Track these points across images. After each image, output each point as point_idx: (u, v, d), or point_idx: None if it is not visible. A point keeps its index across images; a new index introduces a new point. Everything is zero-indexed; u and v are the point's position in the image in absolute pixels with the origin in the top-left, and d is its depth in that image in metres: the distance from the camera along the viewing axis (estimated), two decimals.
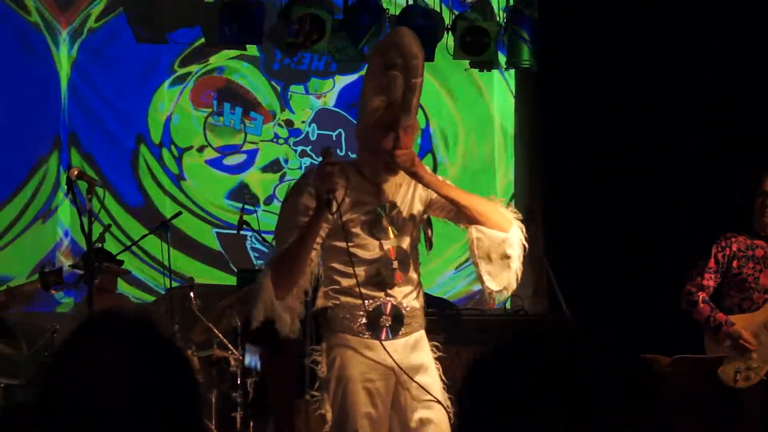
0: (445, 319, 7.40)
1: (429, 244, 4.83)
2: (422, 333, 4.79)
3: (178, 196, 9.22)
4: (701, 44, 8.81)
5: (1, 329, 6.80)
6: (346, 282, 4.66)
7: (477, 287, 9.51)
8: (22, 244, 8.84)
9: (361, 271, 4.64)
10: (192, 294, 7.26)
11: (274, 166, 9.49)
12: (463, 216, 4.76)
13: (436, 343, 4.83)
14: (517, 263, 4.73)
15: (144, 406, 1.79)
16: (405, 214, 4.72)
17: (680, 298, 6.72)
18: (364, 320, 4.64)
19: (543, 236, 8.45)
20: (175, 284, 7.65)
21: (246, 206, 7.95)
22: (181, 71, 9.31)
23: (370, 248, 4.65)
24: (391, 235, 4.67)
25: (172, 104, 9.27)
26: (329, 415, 4.64)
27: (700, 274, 6.69)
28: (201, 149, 9.35)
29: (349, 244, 4.63)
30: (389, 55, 4.67)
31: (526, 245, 4.77)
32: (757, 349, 6.51)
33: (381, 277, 4.63)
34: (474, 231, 4.75)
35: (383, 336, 4.64)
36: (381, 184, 4.71)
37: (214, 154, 9.38)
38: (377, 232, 4.66)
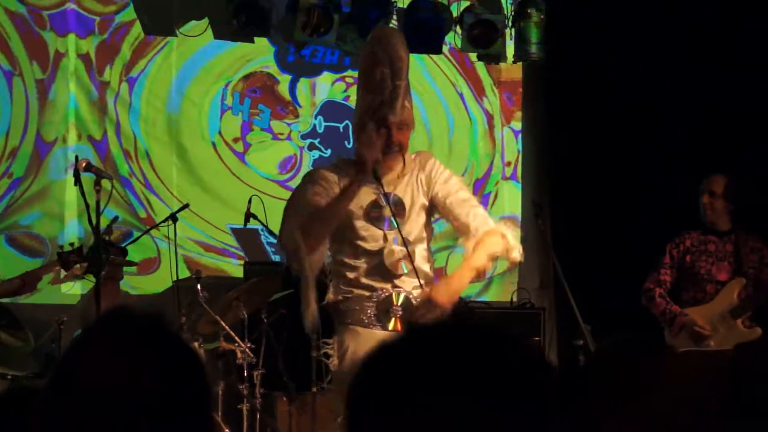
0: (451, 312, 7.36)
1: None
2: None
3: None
4: (712, 38, 8.79)
5: (8, 320, 6.82)
6: (353, 274, 4.70)
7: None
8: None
9: (365, 262, 4.68)
10: (199, 286, 7.27)
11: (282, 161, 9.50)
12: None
13: None
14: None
15: (155, 405, 1.78)
16: (407, 204, 4.76)
17: (641, 294, 7.09)
18: (373, 311, 4.67)
19: (550, 229, 8.43)
20: (181, 276, 7.67)
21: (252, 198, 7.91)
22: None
23: (374, 239, 4.70)
24: (394, 226, 4.70)
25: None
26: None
27: (657, 271, 7.09)
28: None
29: (354, 236, 4.68)
30: (377, 53, 4.72)
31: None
32: (714, 337, 6.78)
33: (385, 267, 4.67)
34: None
35: (391, 327, 4.67)
36: (380, 177, 4.74)
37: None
38: (379, 223, 4.70)
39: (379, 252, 4.70)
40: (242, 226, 8.04)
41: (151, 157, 9.14)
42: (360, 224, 4.72)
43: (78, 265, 6.99)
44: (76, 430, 1.77)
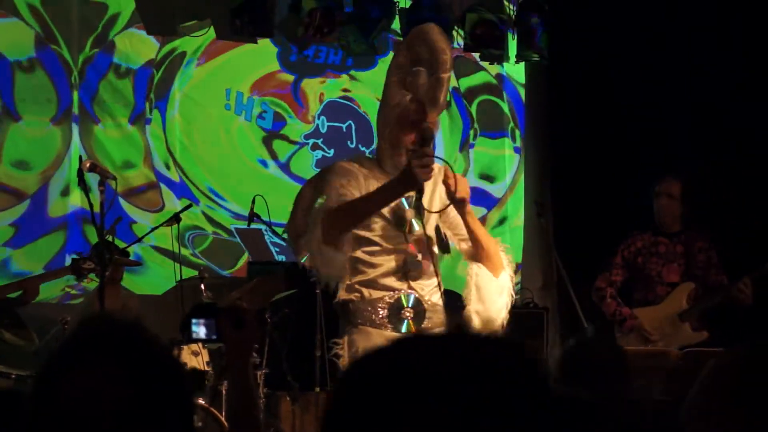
0: (454, 312, 7.37)
1: (445, 248, 4.86)
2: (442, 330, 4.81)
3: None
4: (715, 37, 8.80)
5: (12, 320, 6.82)
6: (369, 273, 4.68)
7: None
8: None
9: (386, 261, 4.66)
10: (202, 285, 7.26)
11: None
12: (469, 241, 4.83)
13: None
14: (504, 312, 4.80)
15: (134, 418, 1.78)
16: (427, 207, 4.74)
17: (591, 292, 7.25)
18: (385, 312, 4.66)
19: (552, 229, 8.44)
20: (185, 275, 7.67)
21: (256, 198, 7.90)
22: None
23: (394, 240, 4.67)
24: (415, 227, 4.69)
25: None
26: None
27: (608, 270, 7.30)
28: None
29: (374, 234, 4.66)
30: (416, 51, 4.70)
31: (514, 295, 4.89)
32: (662, 338, 6.99)
33: (407, 268, 4.66)
34: (475, 267, 4.81)
35: (404, 329, 4.67)
36: (422, 193, 4.70)
37: None
38: (401, 224, 4.67)
39: (398, 252, 4.69)
40: (246, 227, 8.05)
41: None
42: (381, 222, 4.70)
43: (92, 274, 6.95)
44: None
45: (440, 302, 4.77)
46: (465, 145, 9.73)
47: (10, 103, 8.88)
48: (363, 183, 4.68)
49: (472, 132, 9.76)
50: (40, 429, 1.80)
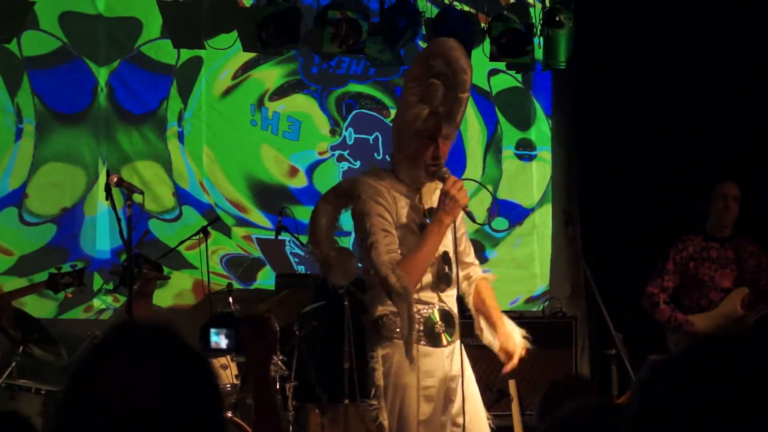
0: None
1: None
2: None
3: None
4: (738, 46, 8.76)
5: (41, 335, 6.84)
6: None
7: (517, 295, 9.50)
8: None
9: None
10: (231, 299, 7.27)
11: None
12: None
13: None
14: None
15: (164, 418, 1.78)
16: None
17: (642, 297, 7.22)
18: (420, 327, 4.68)
19: (581, 237, 8.40)
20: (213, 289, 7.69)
21: (284, 210, 7.91)
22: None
23: None
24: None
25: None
26: (386, 423, 4.67)
27: (660, 276, 7.22)
28: None
29: (406, 250, 4.67)
30: (435, 65, 4.70)
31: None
32: None
33: (441, 279, 4.69)
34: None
35: (443, 343, 4.70)
36: (419, 188, 4.77)
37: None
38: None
39: (431, 266, 4.72)
40: (272, 237, 8.06)
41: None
42: (413, 239, 4.72)
43: (70, 290, 6.95)
44: None
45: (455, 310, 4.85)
46: (491, 149, 9.70)
47: (54, 104, 8.94)
48: (390, 199, 4.71)
49: (500, 137, 9.72)
50: (57, 427, 1.83)
